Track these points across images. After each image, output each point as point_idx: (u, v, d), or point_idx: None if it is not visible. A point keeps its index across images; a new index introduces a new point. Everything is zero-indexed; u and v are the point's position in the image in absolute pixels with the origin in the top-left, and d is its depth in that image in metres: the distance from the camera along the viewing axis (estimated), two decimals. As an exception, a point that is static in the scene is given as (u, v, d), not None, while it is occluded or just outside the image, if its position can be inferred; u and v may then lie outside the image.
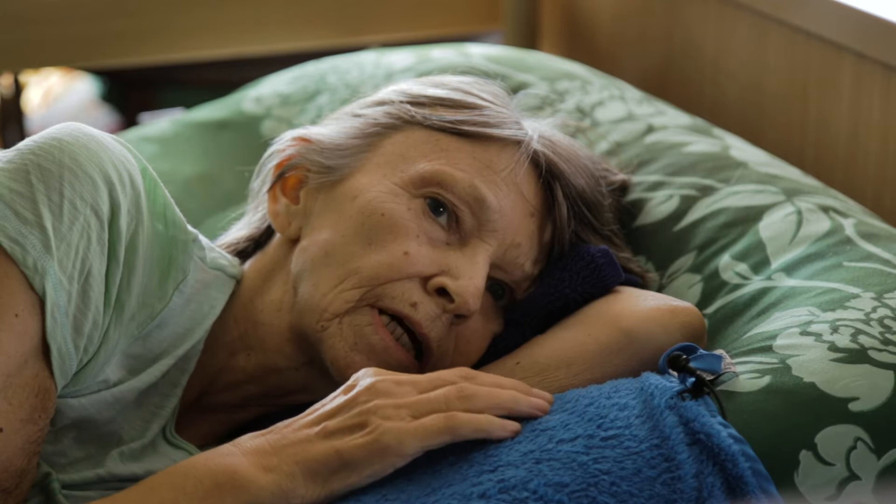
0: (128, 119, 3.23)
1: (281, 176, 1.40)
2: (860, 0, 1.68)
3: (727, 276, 1.43)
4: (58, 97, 3.71)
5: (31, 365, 1.17)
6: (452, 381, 1.20)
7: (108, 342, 1.24)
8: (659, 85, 2.06)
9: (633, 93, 1.78)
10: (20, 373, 1.16)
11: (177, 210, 1.30)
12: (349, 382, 1.20)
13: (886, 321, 1.29)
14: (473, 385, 1.19)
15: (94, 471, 1.27)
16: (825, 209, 1.47)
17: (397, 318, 1.31)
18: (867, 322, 1.29)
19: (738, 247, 1.45)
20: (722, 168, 1.56)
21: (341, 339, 1.29)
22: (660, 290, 1.47)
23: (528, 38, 2.36)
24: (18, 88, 3.28)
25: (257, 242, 1.44)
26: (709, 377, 1.24)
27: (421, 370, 1.31)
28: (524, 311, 1.37)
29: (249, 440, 1.18)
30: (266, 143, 1.46)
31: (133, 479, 1.28)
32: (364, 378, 1.19)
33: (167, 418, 1.31)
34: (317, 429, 1.16)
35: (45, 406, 1.19)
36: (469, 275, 1.30)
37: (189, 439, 1.34)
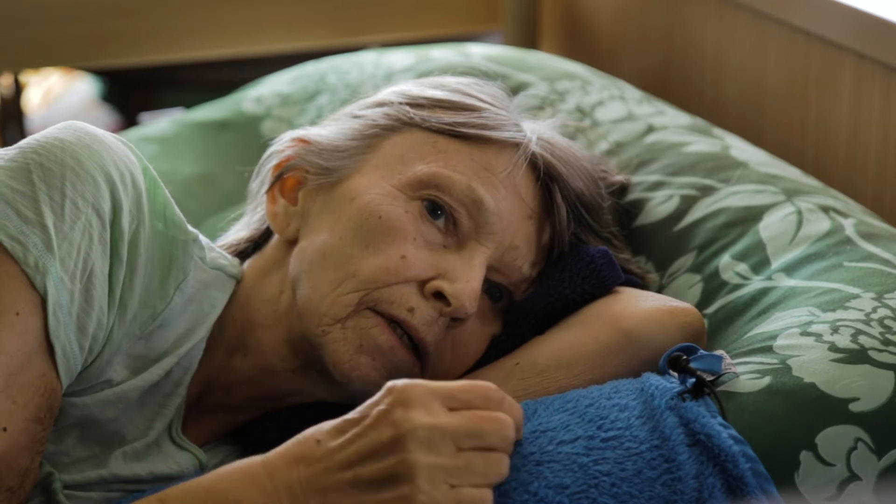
0: (128, 119, 3.23)
1: (279, 177, 1.40)
2: (860, 0, 1.68)
3: (727, 276, 1.43)
4: (58, 97, 3.71)
5: (35, 365, 1.17)
6: (492, 444, 1.13)
7: (112, 342, 1.24)
8: (659, 85, 2.06)
9: (633, 93, 1.78)
10: (24, 372, 1.16)
11: (177, 210, 1.30)
12: (383, 407, 1.11)
13: (887, 321, 1.29)
14: (507, 458, 1.13)
15: (97, 471, 1.27)
16: (825, 209, 1.47)
17: (394, 321, 1.30)
18: (867, 322, 1.29)
19: (738, 247, 1.45)
20: (722, 168, 1.56)
21: (345, 341, 1.29)
22: (660, 290, 1.47)
23: (528, 38, 2.36)
24: (18, 88, 3.29)
25: (256, 243, 1.44)
26: (709, 378, 1.24)
27: (421, 372, 1.31)
28: (524, 312, 1.37)
29: (284, 470, 1.12)
30: (266, 144, 1.46)
31: (136, 481, 1.28)
32: (399, 410, 1.10)
33: (171, 417, 1.31)
34: (349, 474, 1.11)
35: (50, 406, 1.19)
36: (466, 278, 1.30)
37: (190, 438, 1.34)
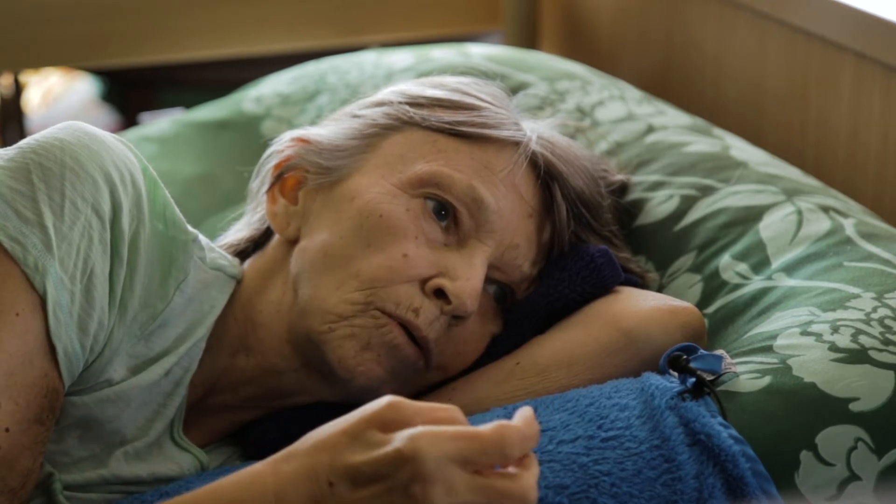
0: (128, 119, 3.23)
1: (280, 177, 1.40)
2: (860, 0, 1.68)
3: (727, 275, 1.43)
4: (58, 97, 3.71)
5: (37, 365, 1.17)
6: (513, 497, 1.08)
7: (112, 342, 1.24)
8: (659, 85, 2.06)
9: (633, 93, 1.78)
10: (25, 372, 1.16)
11: (177, 210, 1.30)
12: (402, 477, 1.05)
13: (887, 321, 1.29)
14: None
15: (98, 471, 1.27)
16: (825, 209, 1.47)
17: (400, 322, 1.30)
18: (867, 322, 1.29)
19: (739, 247, 1.45)
20: (722, 168, 1.56)
21: (352, 338, 1.28)
22: (660, 289, 1.47)
23: (528, 38, 2.36)
24: (18, 88, 3.29)
25: (257, 243, 1.44)
26: (709, 377, 1.24)
27: (425, 365, 1.31)
28: (524, 311, 1.37)
29: (294, 496, 1.08)
30: (266, 143, 1.46)
31: (136, 482, 1.28)
32: (417, 486, 1.04)
33: (171, 417, 1.31)
34: None
35: (52, 407, 1.19)
36: (467, 276, 1.30)
37: (192, 439, 1.34)
